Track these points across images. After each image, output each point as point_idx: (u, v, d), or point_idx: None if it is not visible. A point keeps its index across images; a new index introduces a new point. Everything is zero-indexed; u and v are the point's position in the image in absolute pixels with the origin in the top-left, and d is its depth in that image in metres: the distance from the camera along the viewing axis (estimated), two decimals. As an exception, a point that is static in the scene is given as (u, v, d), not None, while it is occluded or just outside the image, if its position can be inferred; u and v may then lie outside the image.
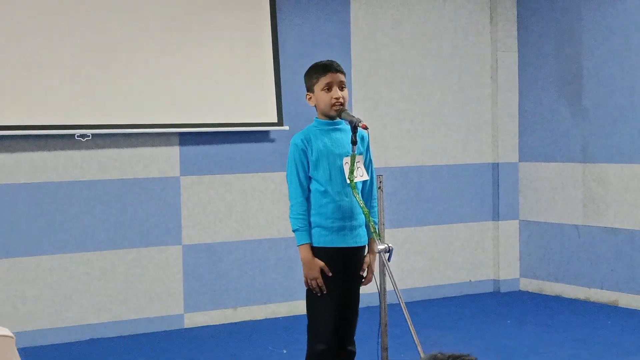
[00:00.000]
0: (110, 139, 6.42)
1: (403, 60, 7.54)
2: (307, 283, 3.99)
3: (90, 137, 6.30)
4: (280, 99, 6.87)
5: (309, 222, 3.99)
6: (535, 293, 7.80)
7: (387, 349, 3.99)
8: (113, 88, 6.35)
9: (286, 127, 6.87)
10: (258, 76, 6.83)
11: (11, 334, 2.55)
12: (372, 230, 3.91)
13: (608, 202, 7.23)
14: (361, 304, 4.16)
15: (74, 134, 6.23)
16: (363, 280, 4.11)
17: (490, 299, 7.67)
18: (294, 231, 4.03)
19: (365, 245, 4.09)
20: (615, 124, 7.15)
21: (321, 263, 3.94)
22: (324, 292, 3.96)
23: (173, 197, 6.65)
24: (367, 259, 4.09)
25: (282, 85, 6.91)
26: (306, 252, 3.97)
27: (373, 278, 4.13)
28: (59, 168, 6.27)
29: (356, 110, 7.09)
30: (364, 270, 4.10)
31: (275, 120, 6.86)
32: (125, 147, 6.48)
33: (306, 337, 4.08)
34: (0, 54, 6.04)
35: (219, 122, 6.70)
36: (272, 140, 6.97)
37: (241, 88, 6.78)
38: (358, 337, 4.18)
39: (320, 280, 3.93)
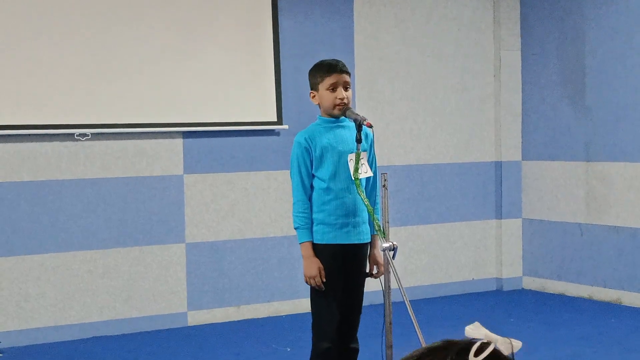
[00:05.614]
0: (114, 138, 6.42)
1: (406, 58, 7.54)
2: (306, 281, 4.00)
3: (89, 137, 6.30)
4: (280, 97, 6.87)
5: (312, 220, 4.00)
6: (538, 291, 7.80)
7: (391, 346, 4.00)
8: (117, 87, 6.35)
9: (285, 126, 6.87)
10: (259, 75, 6.83)
11: None
12: (377, 229, 3.92)
13: (611, 200, 7.23)
14: (365, 302, 4.17)
15: (74, 134, 6.25)
16: (374, 274, 4.12)
17: (493, 297, 7.67)
18: (295, 229, 4.04)
19: (368, 242, 4.10)
20: (618, 123, 7.15)
21: (320, 264, 3.95)
22: (324, 289, 3.97)
23: (176, 196, 6.65)
24: (374, 255, 4.10)
25: (284, 83, 6.92)
26: (307, 250, 3.98)
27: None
28: (62, 166, 6.28)
29: (359, 109, 7.09)
30: (372, 268, 4.11)
31: (275, 119, 6.87)
32: (128, 145, 6.48)
33: (310, 335, 4.08)
34: (5, 53, 6.05)
35: (219, 121, 6.71)
36: (276, 139, 6.97)
37: (242, 87, 6.78)
38: (363, 335, 4.18)
39: (318, 279, 3.94)
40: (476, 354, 1.23)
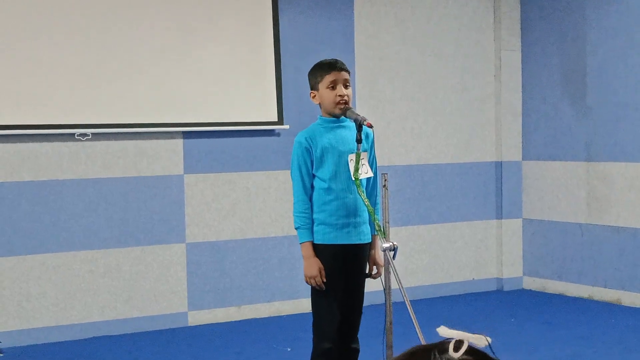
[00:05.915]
0: (115, 138, 6.43)
1: (406, 58, 7.55)
2: (307, 281, 4.00)
3: (90, 137, 6.31)
4: (281, 97, 6.88)
5: (312, 220, 4.01)
6: (538, 291, 7.81)
7: (392, 346, 4.00)
8: (117, 87, 6.36)
9: (286, 126, 6.88)
10: (259, 75, 6.84)
11: None
12: (377, 229, 3.92)
13: (611, 200, 7.23)
14: (365, 302, 4.17)
15: (74, 133, 6.25)
16: (372, 275, 4.13)
17: (494, 297, 7.68)
18: (296, 229, 4.04)
19: (369, 243, 4.10)
20: (619, 123, 7.16)
21: (320, 264, 3.95)
22: (324, 290, 3.97)
23: (177, 195, 6.66)
24: (373, 256, 4.10)
25: (284, 83, 6.92)
26: (307, 250, 3.99)
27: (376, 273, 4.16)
28: (63, 166, 6.28)
29: (360, 109, 7.09)
30: (372, 268, 4.12)
31: (276, 119, 6.87)
32: (129, 145, 6.49)
33: (311, 335, 4.09)
34: (5, 53, 6.05)
35: (219, 121, 6.71)
36: (276, 139, 6.97)
37: (242, 87, 6.79)
38: (364, 335, 4.18)
39: (318, 279, 3.94)
40: (455, 351, 1.28)
